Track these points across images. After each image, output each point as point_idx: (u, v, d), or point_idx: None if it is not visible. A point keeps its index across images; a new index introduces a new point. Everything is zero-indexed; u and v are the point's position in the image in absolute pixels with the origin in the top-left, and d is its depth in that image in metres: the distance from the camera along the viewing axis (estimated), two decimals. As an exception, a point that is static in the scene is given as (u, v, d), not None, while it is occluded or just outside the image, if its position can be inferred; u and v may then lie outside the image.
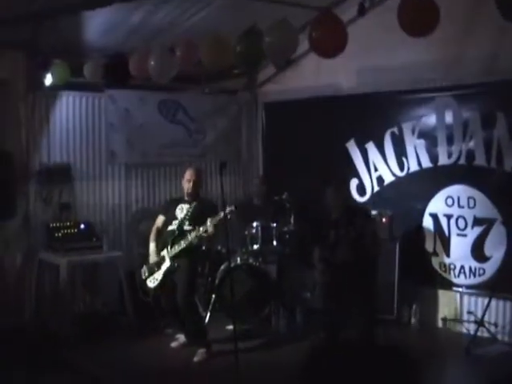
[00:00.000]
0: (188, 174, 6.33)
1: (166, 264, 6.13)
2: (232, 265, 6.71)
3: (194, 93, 8.28)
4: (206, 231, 5.94)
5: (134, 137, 7.72)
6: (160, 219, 6.42)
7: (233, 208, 5.88)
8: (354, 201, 6.88)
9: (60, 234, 6.97)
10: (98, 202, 7.57)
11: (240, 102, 8.73)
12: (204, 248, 6.43)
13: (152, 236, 6.36)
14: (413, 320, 6.97)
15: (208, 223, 5.89)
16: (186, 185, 6.31)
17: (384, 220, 7.02)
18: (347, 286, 5.64)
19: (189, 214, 6.19)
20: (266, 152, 8.74)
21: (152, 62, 6.13)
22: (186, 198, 6.35)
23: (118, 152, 7.65)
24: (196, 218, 6.13)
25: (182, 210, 6.26)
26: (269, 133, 8.67)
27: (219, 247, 7.36)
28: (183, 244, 6.04)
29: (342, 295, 5.69)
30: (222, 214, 5.82)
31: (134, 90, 7.53)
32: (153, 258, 6.23)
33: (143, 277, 6.25)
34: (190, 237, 6.01)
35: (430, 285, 6.97)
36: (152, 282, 6.17)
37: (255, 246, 7.20)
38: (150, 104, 7.86)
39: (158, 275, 6.15)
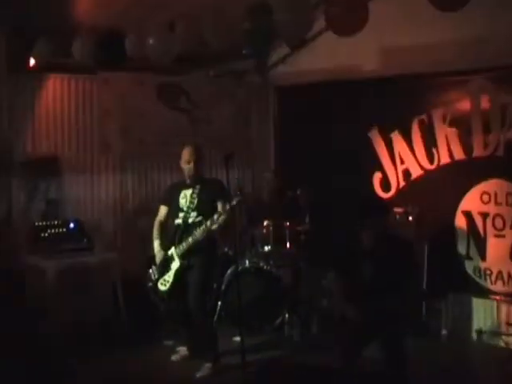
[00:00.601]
0: (186, 154, 6.02)
1: (176, 264, 5.96)
2: (240, 268, 6.67)
3: (197, 76, 8.17)
4: (214, 224, 5.76)
5: (130, 125, 7.63)
6: (162, 211, 6.23)
7: (239, 198, 5.59)
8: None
9: (47, 234, 6.90)
10: (90, 198, 7.47)
11: (249, 85, 8.63)
12: (217, 238, 6.24)
13: (155, 232, 6.18)
14: (443, 332, 6.83)
15: (215, 217, 5.71)
16: (186, 166, 6.03)
17: (411, 218, 6.92)
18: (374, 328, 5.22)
19: (194, 201, 6.00)
20: (279, 142, 8.65)
21: (151, 41, 6.04)
22: (188, 182, 6.11)
23: (113, 142, 7.55)
24: (203, 205, 5.95)
25: (185, 198, 6.05)
26: (281, 120, 8.56)
27: (226, 249, 7.25)
28: (191, 241, 5.85)
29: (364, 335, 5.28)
30: (228, 207, 5.63)
31: (131, 72, 7.44)
32: (160, 258, 6.07)
33: (153, 278, 6.11)
34: (198, 233, 5.81)
35: (463, 292, 6.87)
36: (163, 285, 6.02)
37: (266, 248, 7.11)
38: (149, 88, 7.75)
39: (169, 277, 6.00)
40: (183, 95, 7.97)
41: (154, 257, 6.13)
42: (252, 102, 8.67)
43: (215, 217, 5.70)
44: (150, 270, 6.11)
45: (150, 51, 6.06)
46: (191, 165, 5.98)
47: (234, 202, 5.59)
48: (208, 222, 5.75)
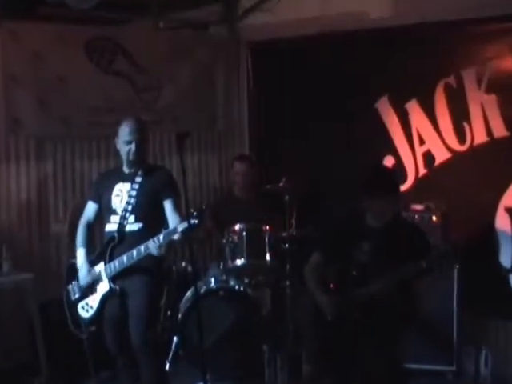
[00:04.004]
0: (126, 130, 5.87)
1: (104, 286, 5.87)
2: (203, 290, 6.72)
3: (141, 28, 7.99)
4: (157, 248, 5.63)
5: (49, 96, 7.42)
6: (90, 208, 6.16)
7: (195, 221, 5.41)
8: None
9: None
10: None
11: (213, 41, 8.54)
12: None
13: (79, 236, 6.10)
14: (483, 371, 6.75)
15: (161, 238, 5.54)
16: (125, 148, 5.88)
17: (435, 218, 6.87)
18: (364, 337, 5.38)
19: (132, 201, 5.88)
20: (255, 117, 8.59)
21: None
22: (125, 171, 6.01)
23: (25, 119, 7.33)
24: (144, 207, 5.87)
25: (120, 196, 5.95)
26: (258, 88, 8.51)
27: (183, 263, 7.22)
28: (126, 262, 5.74)
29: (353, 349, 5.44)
30: (179, 228, 5.45)
31: (49, 22, 7.26)
32: (84, 273, 5.94)
33: (72, 297, 6.01)
34: (136, 253, 5.66)
35: (508, 317, 6.86)
36: (85, 310, 5.95)
37: (238, 261, 6.99)
38: (74, 45, 7.53)
39: (93, 301, 5.91)
40: (120, 54, 7.78)
41: (76, 268, 6.02)
42: (217, 62, 8.58)
43: (161, 237, 5.56)
44: (70, 286, 6.00)
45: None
46: (133, 146, 5.85)
47: (186, 225, 5.37)
48: (150, 243, 5.60)
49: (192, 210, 5.42)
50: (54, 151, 7.56)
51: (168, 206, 5.80)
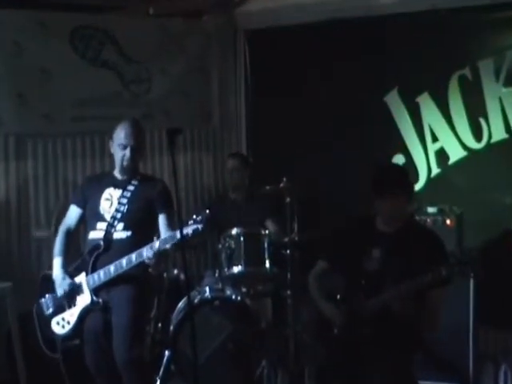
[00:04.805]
0: (122, 134, 5.77)
1: (85, 299, 5.71)
2: (196, 300, 6.59)
3: (130, 16, 7.93)
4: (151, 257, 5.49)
5: (30, 89, 7.29)
6: (72, 213, 6.03)
7: (198, 226, 5.31)
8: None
9: None
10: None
11: (208, 30, 8.45)
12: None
13: (57, 244, 5.95)
14: None
15: (156, 245, 5.42)
16: (120, 153, 5.79)
17: (449, 222, 6.74)
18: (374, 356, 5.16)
19: (122, 208, 5.80)
20: (253, 112, 8.56)
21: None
22: (117, 177, 5.91)
23: (3, 115, 7.18)
24: (135, 215, 5.78)
25: (110, 201, 5.85)
26: (256, 80, 8.47)
27: (175, 271, 7.22)
28: (113, 273, 5.61)
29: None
30: (178, 234, 5.31)
31: (31, 9, 7.16)
32: (59, 285, 5.80)
33: (45, 312, 5.86)
34: (125, 263, 5.53)
35: None
36: (61, 326, 5.79)
37: (235, 269, 6.89)
38: (58, 33, 7.39)
39: (71, 316, 5.76)
40: (108, 43, 7.65)
41: (51, 280, 5.87)
42: (212, 53, 8.47)
43: (156, 245, 5.44)
44: (43, 300, 5.86)
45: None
46: (127, 151, 5.75)
47: (190, 231, 5.29)
48: (143, 251, 5.51)
49: (195, 216, 5.30)
50: (35, 150, 7.45)
51: (162, 219, 5.76)
